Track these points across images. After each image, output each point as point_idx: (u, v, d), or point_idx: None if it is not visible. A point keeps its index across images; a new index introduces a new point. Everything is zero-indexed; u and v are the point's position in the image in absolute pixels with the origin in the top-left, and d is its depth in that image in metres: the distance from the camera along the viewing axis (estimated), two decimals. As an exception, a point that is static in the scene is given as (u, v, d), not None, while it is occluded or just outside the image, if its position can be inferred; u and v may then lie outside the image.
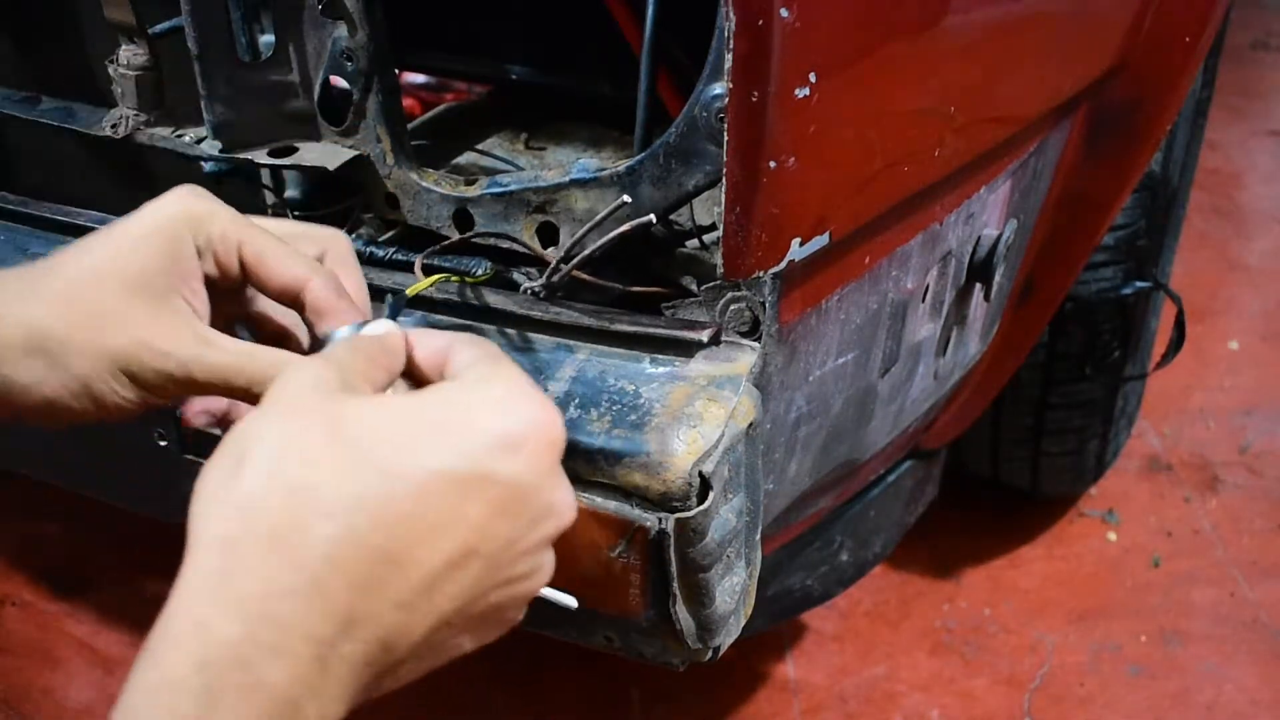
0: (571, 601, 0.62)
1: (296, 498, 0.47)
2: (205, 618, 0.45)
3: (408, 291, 0.76)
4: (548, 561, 0.55)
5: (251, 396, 0.62)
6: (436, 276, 0.82)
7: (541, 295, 0.83)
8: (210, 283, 0.65)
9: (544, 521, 0.53)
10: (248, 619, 0.45)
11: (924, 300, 1.00)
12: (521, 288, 0.84)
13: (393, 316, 0.65)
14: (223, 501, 0.48)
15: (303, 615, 0.45)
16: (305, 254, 0.66)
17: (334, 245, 0.69)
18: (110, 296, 0.61)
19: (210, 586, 0.46)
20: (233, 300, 0.68)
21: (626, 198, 0.78)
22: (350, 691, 0.47)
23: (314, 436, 0.49)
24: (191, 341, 0.62)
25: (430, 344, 0.60)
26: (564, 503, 0.55)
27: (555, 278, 0.82)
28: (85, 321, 0.61)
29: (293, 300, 0.64)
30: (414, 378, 0.61)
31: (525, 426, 0.52)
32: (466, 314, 0.86)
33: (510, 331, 0.85)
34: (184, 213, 0.64)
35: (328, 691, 0.46)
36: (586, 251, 0.80)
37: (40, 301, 0.61)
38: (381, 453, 0.49)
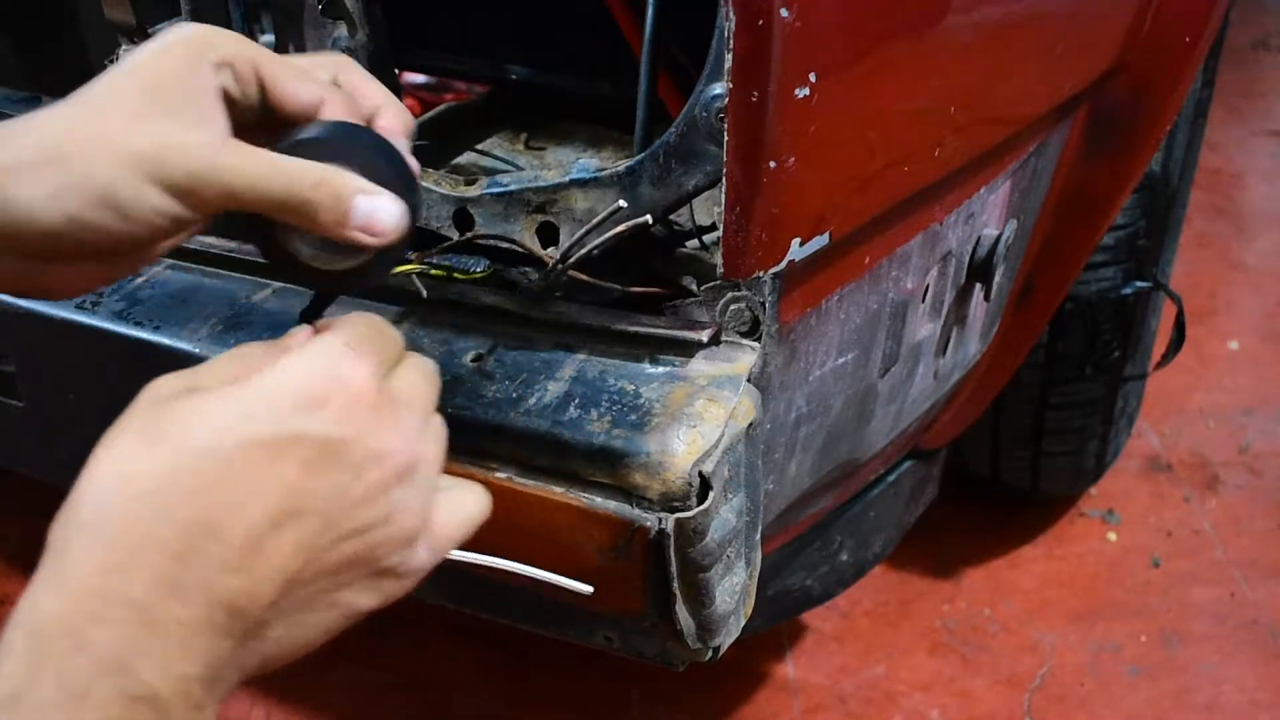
0: (586, 588, 0.64)
1: (116, 489, 0.50)
2: (36, 599, 0.49)
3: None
4: (405, 500, 0.56)
5: (285, 210, 0.60)
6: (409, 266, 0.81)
7: (540, 295, 0.83)
8: (229, 106, 0.62)
9: (370, 468, 0.54)
10: (71, 595, 0.49)
11: (924, 300, 1.00)
12: (519, 287, 0.84)
13: (313, 316, 0.65)
14: (63, 515, 0.51)
15: (122, 586, 0.49)
16: (319, 77, 0.66)
17: (343, 67, 0.68)
18: (130, 101, 0.59)
19: (43, 576, 0.50)
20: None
21: (622, 202, 0.78)
22: (203, 653, 0.50)
23: (134, 432, 0.52)
24: (218, 141, 0.60)
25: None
26: (390, 446, 0.55)
27: (552, 279, 0.82)
28: (104, 127, 0.58)
29: (311, 119, 0.64)
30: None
31: (323, 383, 0.54)
32: (466, 313, 0.86)
33: (509, 330, 0.85)
34: (199, 32, 0.63)
35: (165, 651, 0.49)
36: (583, 251, 0.80)
37: (53, 116, 0.59)
38: (193, 435, 0.51)
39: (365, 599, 0.56)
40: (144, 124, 0.58)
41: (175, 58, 0.61)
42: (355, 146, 0.64)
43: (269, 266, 0.67)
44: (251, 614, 0.51)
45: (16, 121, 0.59)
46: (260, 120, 0.64)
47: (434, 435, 0.60)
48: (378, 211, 0.63)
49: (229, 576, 0.50)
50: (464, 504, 0.61)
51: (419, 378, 0.60)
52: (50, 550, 0.51)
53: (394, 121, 0.68)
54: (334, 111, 0.64)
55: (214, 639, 0.50)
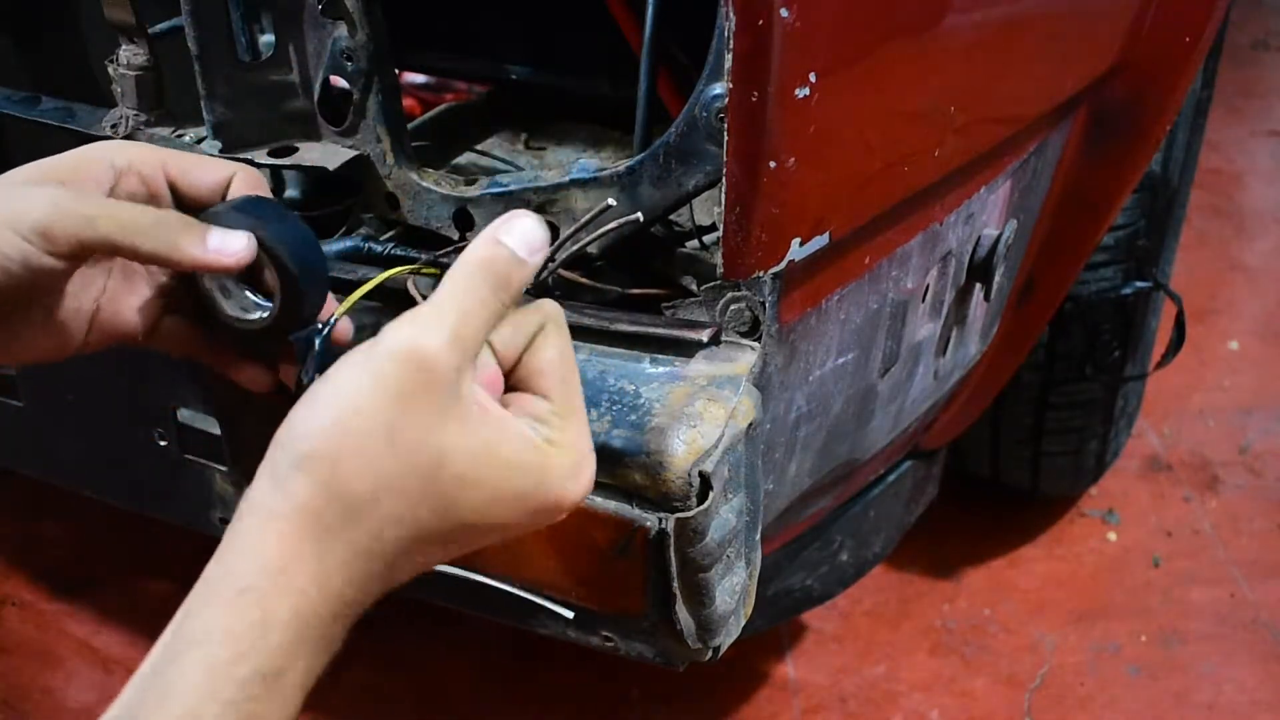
0: (567, 613, 0.71)
1: (386, 525, 0.56)
2: (303, 588, 0.54)
3: (337, 312, 0.72)
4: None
5: (132, 236, 0.66)
6: (396, 270, 0.81)
7: (532, 294, 0.83)
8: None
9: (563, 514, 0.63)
10: (330, 599, 0.55)
11: (924, 300, 1.00)
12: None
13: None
14: (316, 460, 0.55)
15: (359, 598, 0.56)
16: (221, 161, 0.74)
17: (244, 171, 0.74)
18: (20, 176, 0.67)
19: (305, 561, 0.54)
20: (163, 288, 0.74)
21: (611, 201, 0.78)
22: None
23: (413, 469, 0.56)
24: (99, 201, 0.67)
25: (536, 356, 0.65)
26: (575, 502, 0.63)
27: (542, 275, 0.82)
28: None
29: (222, 196, 0.72)
30: None
31: (570, 503, 0.61)
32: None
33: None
34: (98, 146, 0.71)
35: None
36: (575, 249, 0.80)
37: None
38: (460, 508, 0.58)
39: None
40: (22, 189, 0.66)
41: (77, 155, 0.69)
42: (261, 213, 0.70)
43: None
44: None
45: None
46: (185, 210, 0.71)
47: None
48: (226, 236, 0.68)
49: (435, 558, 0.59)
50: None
51: None
52: (299, 499, 0.54)
53: (245, 181, 0.73)
54: (241, 185, 0.72)
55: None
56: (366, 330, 0.71)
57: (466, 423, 0.57)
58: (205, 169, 0.72)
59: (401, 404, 0.55)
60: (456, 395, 0.57)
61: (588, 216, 0.78)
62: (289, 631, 0.53)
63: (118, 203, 0.67)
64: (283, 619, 0.53)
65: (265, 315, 0.71)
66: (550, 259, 0.81)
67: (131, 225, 0.65)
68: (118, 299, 0.72)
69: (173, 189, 0.72)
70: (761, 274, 0.77)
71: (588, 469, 0.62)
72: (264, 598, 0.53)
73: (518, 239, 0.60)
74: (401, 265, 0.85)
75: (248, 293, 0.72)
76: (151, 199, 0.71)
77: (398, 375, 0.55)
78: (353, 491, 0.55)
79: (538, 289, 0.83)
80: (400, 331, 0.56)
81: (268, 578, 0.53)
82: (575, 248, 0.80)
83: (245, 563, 0.54)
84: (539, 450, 0.60)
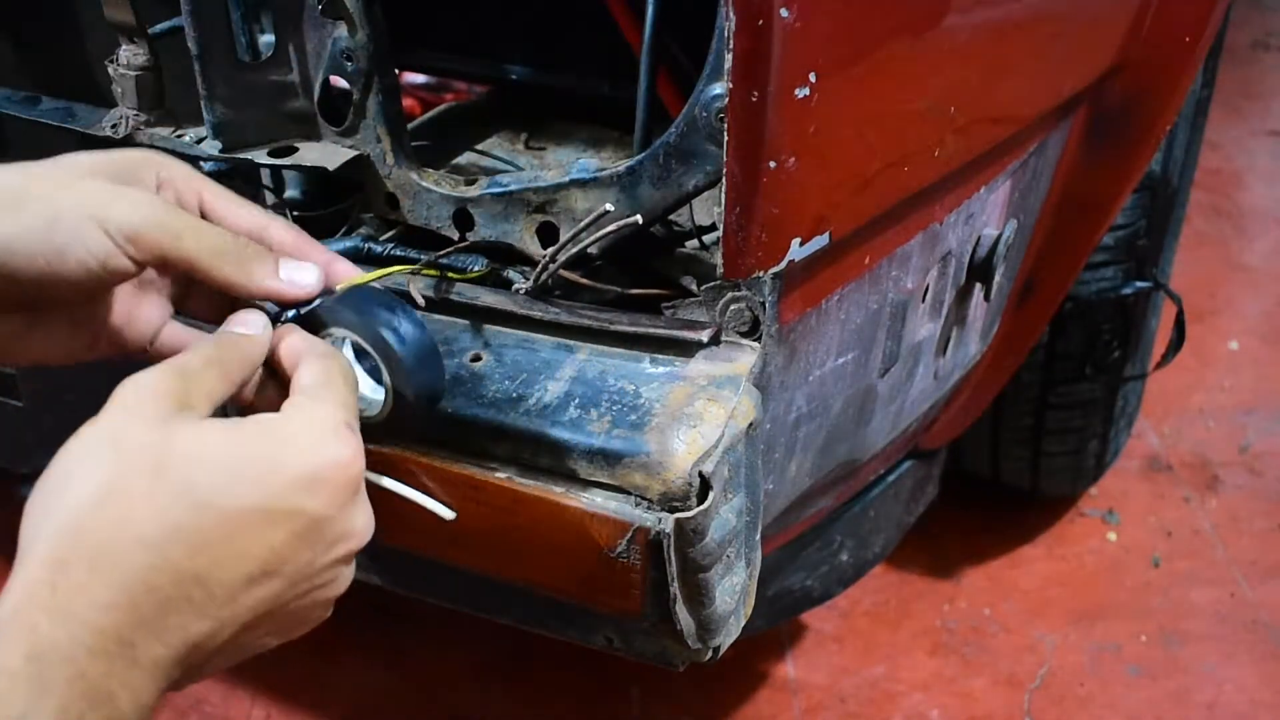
0: (449, 513, 0.68)
1: (118, 528, 0.53)
2: (35, 622, 0.51)
3: (338, 287, 0.72)
4: (345, 574, 0.62)
5: (215, 258, 0.64)
6: (381, 271, 0.80)
7: (533, 295, 0.83)
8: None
9: (340, 544, 0.60)
10: (71, 624, 0.51)
11: (924, 300, 1.00)
12: (513, 287, 0.84)
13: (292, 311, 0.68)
14: (53, 522, 0.53)
15: (118, 625, 0.52)
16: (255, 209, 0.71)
17: (279, 223, 0.72)
18: (84, 166, 0.64)
19: (39, 598, 0.51)
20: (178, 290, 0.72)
21: (609, 206, 0.78)
22: (161, 684, 0.54)
23: (136, 469, 0.54)
24: (161, 201, 0.64)
25: (291, 348, 0.65)
26: (360, 527, 0.61)
27: (543, 278, 0.82)
28: (61, 177, 0.63)
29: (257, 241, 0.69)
30: (275, 374, 0.66)
31: (325, 467, 0.58)
32: (466, 313, 0.86)
33: (509, 330, 0.85)
34: (144, 153, 0.68)
35: (140, 684, 0.53)
36: (574, 250, 0.80)
37: (11, 170, 0.63)
38: (197, 487, 0.55)
39: (278, 640, 0.62)
40: (115, 188, 0.63)
41: (126, 157, 0.67)
42: (365, 308, 0.68)
43: None
44: (207, 651, 0.56)
45: None
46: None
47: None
48: (298, 269, 0.67)
49: (203, 621, 0.55)
50: (345, 581, 0.64)
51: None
52: (36, 562, 0.53)
53: (285, 234, 0.70)
54: (280, 235, 0.69)
55: (173, 671, 0.55)
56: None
57: (188, 422, 0.57)
58: (237, 207, 0.69)
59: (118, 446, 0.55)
60: (173, 414, 0.57)
61: (585, 221, 0.78)
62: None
63: (202, 222, 0.65)
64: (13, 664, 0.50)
65: (377, 413, 0.70)
66: (550, 260, 0.81)
67: (217, 248, 0.64)
68: (133, 310, 0.70)
69: (203, 215, 0.69)
70: (761, 274, 0.77)
71: (342, 436, 0.59)
72: None
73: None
74: (398, 265, 0.85)
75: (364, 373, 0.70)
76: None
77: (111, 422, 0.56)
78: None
79: (538, 291, 0.83)
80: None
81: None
82: (575, 250, 0.80)
83: None
84: (273, 420, 0.59)
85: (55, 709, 0.49)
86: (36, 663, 0.50)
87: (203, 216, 0.68)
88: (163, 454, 0.55)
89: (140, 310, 0.70)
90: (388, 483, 0.69)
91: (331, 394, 0.62)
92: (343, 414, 0.61)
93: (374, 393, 0.69)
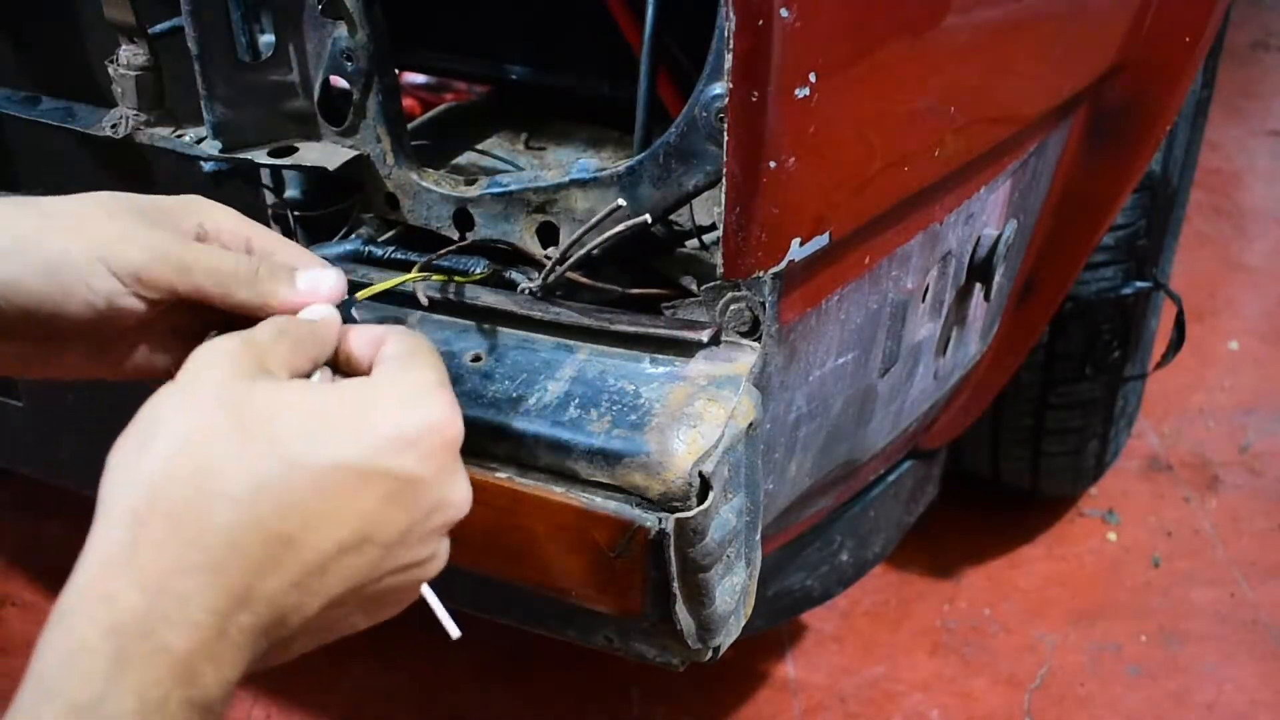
0: (455, 630, 0.64)
1: (201, 480, 0.50)
2: (113, 591, 0.48)
3: (359, 295, 0.73)
4: (442, 549, 0.59)
5: (233, 283, 0.62)
6: (397, 279, 0.81)
7: (538, 295, 0.83)
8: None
9: (437, 513, 0.57)
10: (152, 592, 0.48)
11: (924, 300, 1.00)
12: (519, 288, 0.84)
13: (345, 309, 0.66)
14: (132, 477, 0.51)
15: (202, 591, 0.49)
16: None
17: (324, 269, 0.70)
18: (114, 210, 0.62)
19: (118, 560, 0.49)
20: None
21: (621, 201, 0.78)
22: (246, 657, 0.51)
23: (220, 421, 0.52)
24: (176, 239, 0.62)
25: (365, 335, 0.62)
26: (458, 496, 0.58)
27: (551, 279, 0.82)
28: (62, 222, 0.61)
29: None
30: (346, 366, 0.62)
31: (421, 425, 0.55)
32: (466, 314, 0.86)
33: (509, 331, 0.85)
34: (190, 199, 0.66)
35: (225, 657, 0.49)
36: (582, 251, 0.80)
37: (13, 212, 0.61)
38: (284, 441, 0.52)
39: (367, 622, 0.58)
40: (123, 225, 0.61)
41: (170, 199, 0.65)
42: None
43: None
44: (292, 626, 0.52)
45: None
46: None
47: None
48: (319, 279, 0.65)
49: (291, 592, 0.51)
50: (443, 559, 0.62)
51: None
52: (114, 519, 0.50)
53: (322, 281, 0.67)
54: (329, 281, 0.66)
55: (259, 644, 0.51)
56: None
57: (271, 380, 0.55)
58: (296, 252, 0.68)
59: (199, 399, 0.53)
60: (255, 372, 0.55)
61: (597, 217, 0.78)
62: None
63: (211, 249, 0.64)
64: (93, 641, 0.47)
65: None
66: (559, 261, 0.81)
67: (228, 275, 0.62)
68: (154, 339, 0.68)
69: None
70: (761, 274, 0.77)
71: (439, 395, 0.57)
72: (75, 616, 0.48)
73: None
74: (398, 269, 0.85)
75: None
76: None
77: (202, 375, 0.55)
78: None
79: (542, 291, 0.83)
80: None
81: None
82: (582, 251, 0.80)
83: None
84: (360, 381, 0.57)
85: (135, 694, 0.46)
86: (115, 637, 0.47)
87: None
88: (247, 409, 0.52)
89: (162, 339, 0.68)
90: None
91: (423, 358, 0.59)
92: (436, 375, 0.58)
93: None
